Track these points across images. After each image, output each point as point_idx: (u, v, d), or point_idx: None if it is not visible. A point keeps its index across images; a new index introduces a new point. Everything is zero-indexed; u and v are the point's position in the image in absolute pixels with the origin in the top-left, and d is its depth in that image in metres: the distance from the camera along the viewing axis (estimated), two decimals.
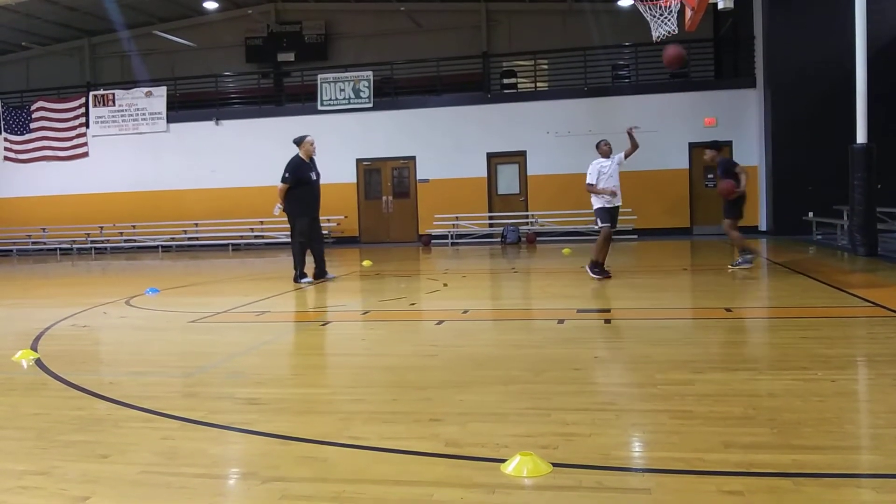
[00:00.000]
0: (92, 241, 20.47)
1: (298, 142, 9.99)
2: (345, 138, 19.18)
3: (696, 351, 5.24)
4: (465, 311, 7.36)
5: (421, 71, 20.49)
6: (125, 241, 20.57)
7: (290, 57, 22.60)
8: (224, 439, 3.54)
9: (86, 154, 21.15)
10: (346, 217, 19.57)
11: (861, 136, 10.97)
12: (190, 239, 20.33)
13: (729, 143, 17.86)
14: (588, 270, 9.45)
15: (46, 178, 21.30)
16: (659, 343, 5.59)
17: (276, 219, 11.84)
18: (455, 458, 3.08)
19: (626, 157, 9.31)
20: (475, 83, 20.14)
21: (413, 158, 19.55)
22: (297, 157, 9.91)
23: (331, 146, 16.95)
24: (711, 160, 10.54)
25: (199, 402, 4.19)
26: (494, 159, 19.23)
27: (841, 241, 13.10)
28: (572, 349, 5.37)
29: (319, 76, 19.92)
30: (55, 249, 20.66)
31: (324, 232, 18.64)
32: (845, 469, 2.90)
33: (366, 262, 13.28)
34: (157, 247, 20.16)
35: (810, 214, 15.03)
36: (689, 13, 9.30)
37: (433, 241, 18.60)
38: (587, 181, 9.33)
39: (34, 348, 5.82)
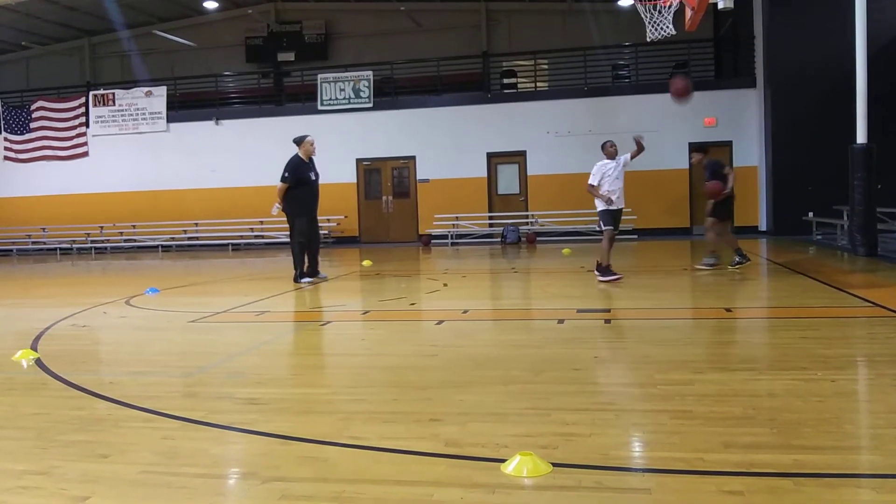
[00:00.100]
0: (92, 241, 20.47)
1: (298, 141, 9.99)
2: (345, 138, 19.18)
3: (697, 351, 5.24)
4: (465, 311, 7.36)
5: (421, 71, 20.49)
6: (125, 240, 20.57)
7: (290, 57, 22.59)
8: (224, 439, 3.54)
9: (86, 154, 21.15)
10: (346, 217, 19.57)
11: (861, 136, 10.97)
12: (190, 239, 20.32)
13: (729, 143, 17.89)
14: (597, 276, 9.17)
15: (46, 178, 21.30)
16: (659, 343, 5.59)
17: (275, 219, 11.86)
18: (455, 458, 3.08)
19: (632, 157, 9.16)
20: (475, 83, 20.14)
21: (413, 158, 19.55)
22: (296, 156, 9.90)
23: (331, 146, 16.95)
24: (698, 163, 10.45)
25: (200, 402, 4.19)
26: (494, 159, 19.23)
27: (841, 241, 13.10)
28: (572, 349, 5.37)
29: (319, 76, 19.92)
30: (55, 249, 20.65)
31: (323, 232, 18.90)
32: (845, 469, 2.90)
33: (366, 262, 13.28)
34: (156, 246, 20.16)
35: (810, 214, 15.03)
36: (689, 13, 9.31)
37: (433, 241, 18.60)
38: (589, 182, 9.17)
39: (34, 348, 5.82)
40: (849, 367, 4.66)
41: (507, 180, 19.29)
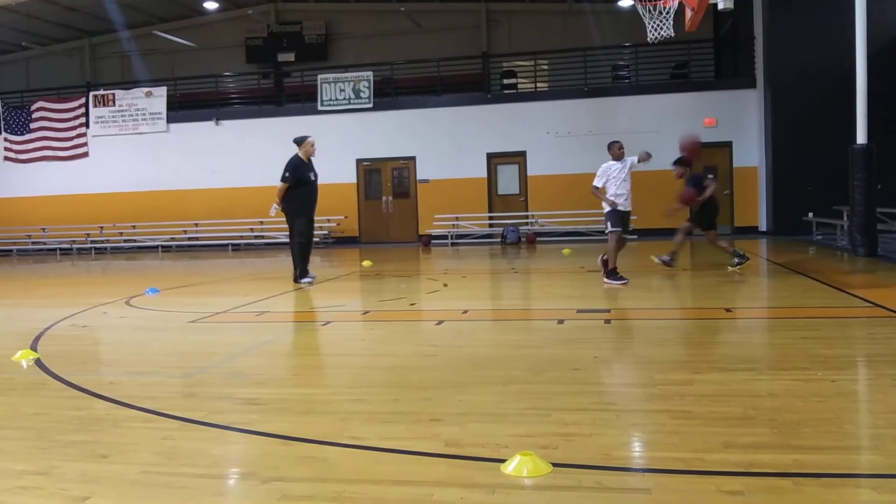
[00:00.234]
0: (92, 241, 20.47)
1: (299, 142, 9.98)
2: (345, 138, 19.18)
3: (696, 351, 5.24)
4: (465, 312, 7.35)
5: (421, 71, 20.49)
6: (125, 241, 20.58)
7: (291, 57, 22.60)
8: (224, 439, 3.54)
9: (86, 154, 21.15)
10: (346, 217, 19.57)
11: (861, 137, 10.97)
12: (190, 239, 20.33)
13: (729, 144, 17.90)
14: (604, 279, 8.98)
15: (46, 178, 21.30)
16: (659, 343, 5.59)
17: (275, 219, 11.84)
18: (455, 459, 3.08)
19: (640, 161, 9.04)
20: (475, 83, 20.14)
21: (413, 159, 19.55)
22: (296, 156, 9.89)
23: (331, 146, 16.95)
24: (681, 177, 10.27)
25: (199, 403, 4.19)
26: (494, 159, 19.23)
27: (841, 241, 13.10)
28: (572, 349, 5.37)
29: (319, 76, 19.92)
30: (55, 249, 20.65)
31: (323, 232, 18.93)
32: (845, 469, 2.90)
33: (366, 263, 13.28)
34: (157, 247, 20.16)
35: (810, 215, 15.04)
36: (689, 13, 9.32)
37: (433, 242, 18.60)
38: (593, 184, 8.95)
39: (34, 348, 5.82)
40: (849, 368, 4.66)
41: (507, 181, 19.29)
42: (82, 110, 21.11)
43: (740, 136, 17.78)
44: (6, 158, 21.56)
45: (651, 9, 9.53)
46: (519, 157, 19.07)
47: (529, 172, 18.94)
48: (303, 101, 20.38)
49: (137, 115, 20.73)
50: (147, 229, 20.41)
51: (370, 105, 19.52)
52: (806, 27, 15.76)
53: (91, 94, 21.16)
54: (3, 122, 21.57)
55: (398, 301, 8.51)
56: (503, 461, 2.95)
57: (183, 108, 20.96)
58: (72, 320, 7.47)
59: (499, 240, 18.19)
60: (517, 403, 3.89)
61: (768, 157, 16.86)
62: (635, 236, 17.18)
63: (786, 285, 8.71)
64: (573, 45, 19.47)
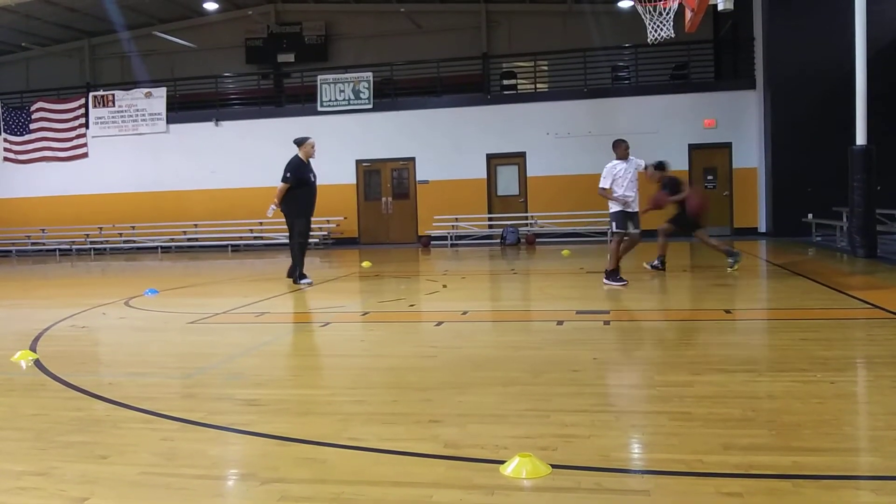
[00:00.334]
0: (91, 242, 20.47)
1: (300, 142, 9.97)
2: (344, 139, 19.18)
3: (696, 352, 5.24)
4: (465, 313, 7.35)
5: (421, 72, 20.49)
6: (124, 241, 20.57)
7: (290, 58, 22.60)
8: (223, 440, 3.54)
9: (85, 155, 21.15)
10: (345, 218, 19.57)
11: (861, 138, 10.98)
12: (189, 240, 20.32)
13: (729, 145, 17.90)
14: (605, 280, 8.95)
15: (46, 179, 21.29)
16: (658, 344, 5.59)
17: (275, 220, 11.84)
18: (454, 460, 3.08)
19: (646, 171, 8.92)
20: (475, 84, 20.14)
21: (413, 159, 19.55)
22: (297, 157, 9.88)
23: (330, 147, 16.94)
24: (657, 180, 10.06)
25: (199, 403, 4.19)
26: (494, 160, 19.23)
27: (840, 242, 13.11)
28: (571, 350, 5.37)
29: (319, 77, 19.92)
30: (54, 250, 20.64)
31: (323, 233, 18.93)
32: (844, 471, 2.90)
33: (365, 263, 13.28)
34: (156, 248, 20.15)
35: (810, 216, 15.04)
36: (688, 14, 9.32)
37: (432, 243, 18.60)
38: (600, 185, 8.83)
39: (33, 349, 5.82)
40: (848, 369, 4.66)
41: (507, 181, 19.29)
42: (82, 111, 21.10)
43: (740, 137, 17.78)
44: (6, 159, 21.56)
45: (651, 10, 9.53)
46: (518, 158, 19.07)
47: (529, 173, 18.94)
48: (302, 101, 20.38)
49: (137, 115, 20.73)
50: (146, 230, 20.41)
51: (370, 106, 19.52)
52: (806, 28, 15.76)
53: (91, 94, 21.15)
54: (2, 123, 21.56)
55: (397, 302, 8.51)
56: (502, 462, 2.95)
57: (182, 108, 20.96)
58: (71, 321, 7.46)
59: (498, 241, 18.19)
60: (516, 405, 3.89)
61: (768, 158, 16.87)
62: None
63: (785, 286, 8.72)
64: (573, 45, 19.47)
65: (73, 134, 21.17)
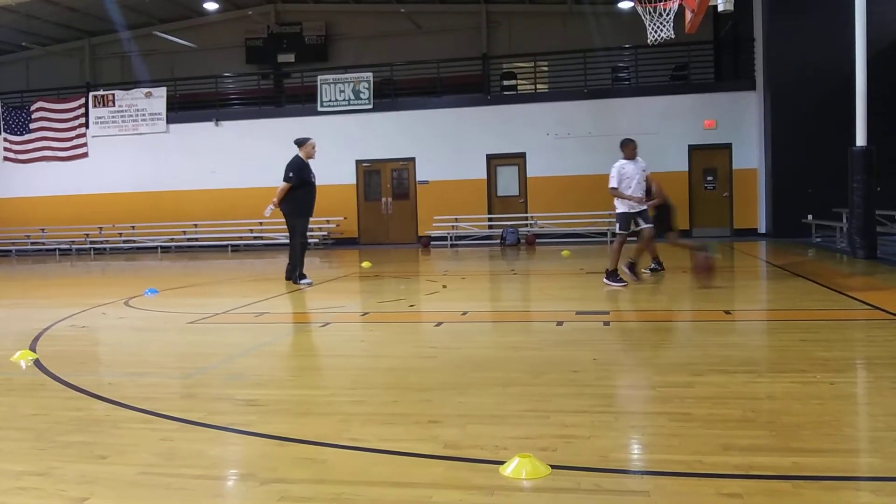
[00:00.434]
0: (91, 242, 20.46)
1: (301, 143, 9.96)
2: (344, 139, 19.19)
3: (696, 353, 5.24)
4: (465, 313, 7.35)
5: (421, 72, 20.49)
6: (124, 241, 20.57)
7: (290, 58, 22.60)
8: (223, 440, 3.54)
9: (85, 155, 21.15)
10: (345, 218, 19.57)
11: (860, 139, 10.98)
12: (189, 240, 20.32)
13: (728, 146, 17.91)
14: (605, 280, 8.94)
15: (46, 179, 21.29)
16: (658, 345, 5.59)
17: (275, 220, 11.85)
18: (454, 460, 3.08)
19: (649, 179, 8.90)
20: (475, 85, 20.14)
21: (413, 160, 19.55)
22: (298, 158, 9.88)
23: (330, 147, 16.93)
24: None
25: (198, 403, 4.19)
26: (494, 161, 19.23)
27: (840, 243, 13.11)
28: (571, 351, 5.37)
29: (319, 77, 19.92)
30: (54, 250, 20.64)
31: (322, 233, 18.93)
32: (844, 472, 2.90)
33: (365, 264, 13.28)
34: (156, 247, 20.15)
35: (809, 217, 15.04)
36: (688, 15, 9.32)
37: (432, 243, 18.60)
38: (609, 185, 8.79)
39: (33, 349, 5.82)
40: (848, 370, 4.66)
41: (507, 182, 19.29)
42: (82, 111, 21.10)
43: (740, 137, 17.78)
44: (6, 159, 21.55)
45: (651, 10, 9.53)
46: (518, 159, 19.07)
47: (529, 174, 18.94)
48: (302, 102, 20.38)
49: (137, 115, 20.73)
50: (146, 230, 20.41)
51: (370, 106, 19.52)
52: (806, 29, 15.77)
53: (91, 94, 21.15)
54: (2, 123, 21.56)
55: (397, 302, 8.51)
56: (502, 463, 2.95)
57: (182, 108, 20.96)
58: (71, 321, 7.46)
59: (498, 241, 18.19)
60: (516, 405, 3.89)
61: (768, 158, 16.87)
62: (635, 238, 17.19)
63: (785, 287, 8.72)
64: (573, 46, 19.47)
65: (73, 134, 21.17)
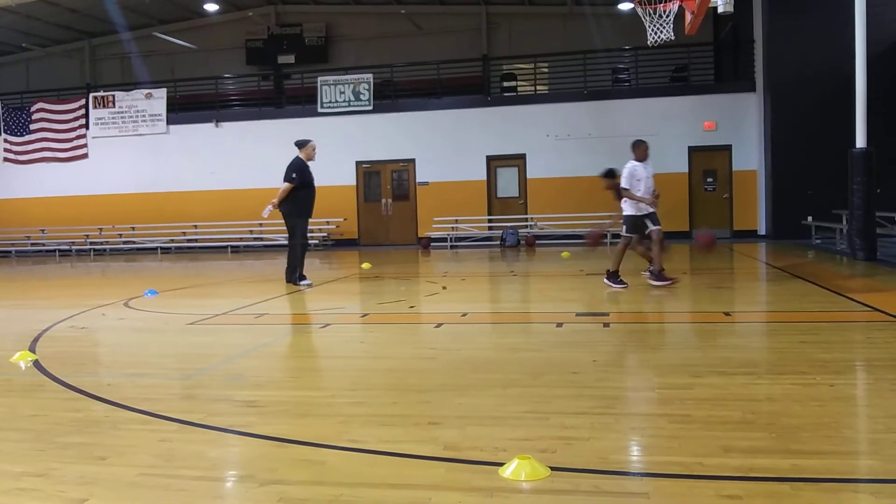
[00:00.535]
0: (91, 243, 20.47)
1: (301, 144, 9.96)
2: (344, 141, 19.19)
3: (695, 355, 5.24)
4: (464, 315, 7.35)
5: (421, 74, 20.51)
6: (124, 242, 20.57)
7: (291, 59, 22.62)
8: (222, 441, 3.54)
9: (85, 155, 21.16)
10: (345, 219, 19.57)
11: (860, 140, 10.98)
12: (189, 241, 20.32)
13: (728, 147, 17.91)
14: (605, 281, 8.91)
15: (46, 180, 21.30)
16: (658, 347, 5.59)
17: (275, 221, 11.85)
18: (453, 462, 3.08)
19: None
20: (475, 86, 20.15)
21: (412, 161, 19.56)
22: (299, 159, 9.88)
23: (330, 148, 16.94)
24: (610, 188, 9.92)
25: (198, 405, 4.19)
26: (494, 162, 19.24)
27: (840, 245, 13.11)
28: (571, 353, 5.37)
29: (319, 78, 19.93)
30: (54, 251, 20.65)
31: (322, 234, 18.94)
32: (844, 474, 2.90)
33: (365, 265, 13.28)
34: (155, 248, 20.16)
35: (809, 219, 15.04)
36: (688, 17, 9.34)
37: (432, 244, 18.60)
38: (622, 185, 8.73)
39: (32, 350, 5.82)
40: (848, 372, 4.66)
41: (507, 183, 19.30)
42: (82, 112, 21.11)
43: (740, 139, 17.79)
44: (6, 159, 21.56)
45: (651, 12, 9.54)
46: (518, 160, 19.07)
47: (529, 175, 18.94)
48: (303, 103, 20.39)
49: (137, 116, 20.74)
50: (146, 231, 20.41)
51: (370, 107, 19.53)
52: (806, 30, 15.78)
53: (91, 95, 21.16)
54: (2, 124, 21.57)
55: (397, 304, 8.50)
56: (501, 465, 2.94)
57: (183, 109, 20.97)
58: (70, 322, 7.46)
59: (498, 242, 18.20)
60: (516, 407, 3.89)
61: (767, 160, 16.88)
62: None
63: (785, 289, 8.71)
64: (573, 47, 19.49)
65: (73, 135, 21.18)
